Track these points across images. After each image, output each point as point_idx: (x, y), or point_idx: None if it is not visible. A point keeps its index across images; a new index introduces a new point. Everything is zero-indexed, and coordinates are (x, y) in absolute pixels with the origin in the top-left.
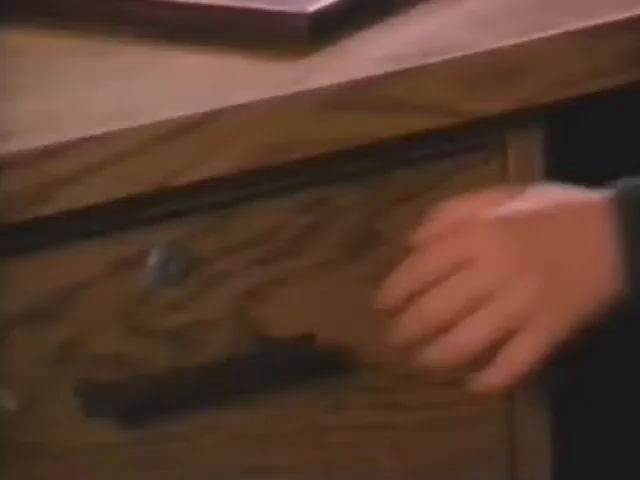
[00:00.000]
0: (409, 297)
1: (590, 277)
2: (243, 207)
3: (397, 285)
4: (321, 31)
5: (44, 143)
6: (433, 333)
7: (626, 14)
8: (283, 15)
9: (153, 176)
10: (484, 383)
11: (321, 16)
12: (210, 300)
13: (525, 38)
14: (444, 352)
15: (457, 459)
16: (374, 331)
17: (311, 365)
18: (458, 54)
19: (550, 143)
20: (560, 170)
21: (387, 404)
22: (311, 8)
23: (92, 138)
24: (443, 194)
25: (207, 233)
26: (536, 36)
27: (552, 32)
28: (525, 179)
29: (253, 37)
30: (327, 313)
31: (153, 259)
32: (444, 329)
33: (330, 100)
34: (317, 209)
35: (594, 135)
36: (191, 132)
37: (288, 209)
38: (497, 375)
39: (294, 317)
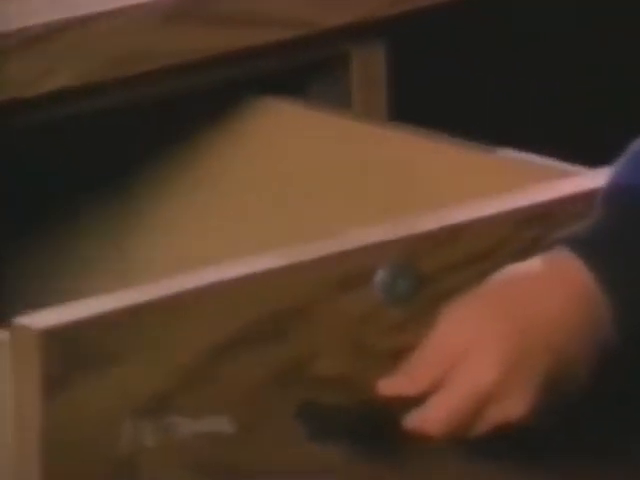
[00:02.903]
0: None
1: (579, 331)
2: None
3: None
4: None
5: None
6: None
7: None
8: None
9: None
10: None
11: None
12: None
13: None
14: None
15: None
16: None
17: None
18: None
19: (393, 56)
20: (403, 84)
21: None
22: None
23: None
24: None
25: (435, 249)
26: None
27: None
28: (368, 92)
29: None
30: None
31: (380, 276)
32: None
33: (174, 12)
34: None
35: (436, 47)
36: (36, 45)
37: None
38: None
39: None
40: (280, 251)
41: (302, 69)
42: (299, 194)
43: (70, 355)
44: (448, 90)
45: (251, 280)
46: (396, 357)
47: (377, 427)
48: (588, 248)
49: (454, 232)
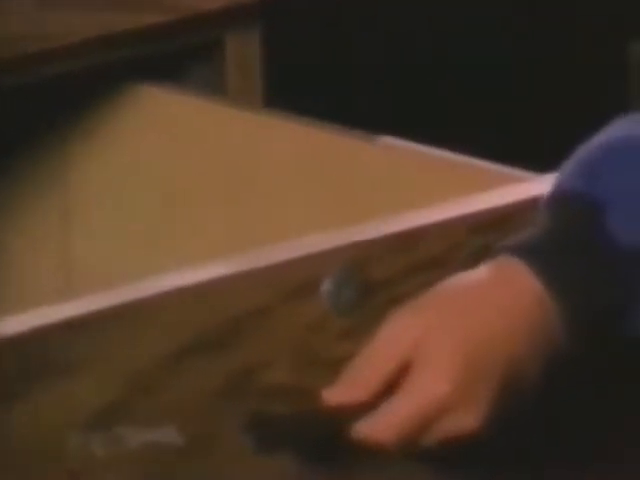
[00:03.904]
0: None
1: (528, 337)
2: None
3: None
4: None
5: None
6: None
7: None
8: None
9: None
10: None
11: None
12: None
13: None
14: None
15: None
16: None
17: None
18: None
19: (267, 40)
20: (278, 68)
21: None
22: None
23: None
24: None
25: (383, 257)
26: None
27: None
28: (243, 78)
29: None
30: None
31: (326, 285)
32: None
33: None
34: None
35: (309, 31)
36: None
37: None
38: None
39: None
40: (227, 260)
41: (177, 55)
42: (178, 180)
43: (18, 367)
44: (323, 77)
45: (200, 289)
46: (344, 366)
47: (326, 436)
48: (535, 255)
49: (403, 239)
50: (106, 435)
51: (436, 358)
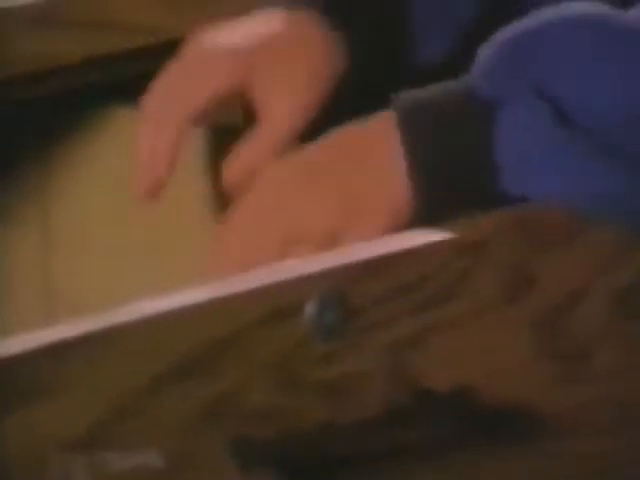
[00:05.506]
0: None
1: (381, 196)
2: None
3: None
4: None
5: None
6: None
7: None
8: None
9: None
10: None
11: None
12: (364, 351)
13: None
14: None
15: None
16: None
17: (474, 422)
18: None
19: None
20: None
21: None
22: None
23: None
24: None
25: (365, 280)
26: None
27: None
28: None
29: None
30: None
31: (309, 309)
32: None
33: (31, 17)
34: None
35: None
36: None
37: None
38: None
39: (452, 368)
40: (208, 284)
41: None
42: (160, 203)
43: None
44: None
45: (182, 313)
46: (327, 388)
47: (309, 458)
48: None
49: (386, 262)
50: (87, 460)
51: None
